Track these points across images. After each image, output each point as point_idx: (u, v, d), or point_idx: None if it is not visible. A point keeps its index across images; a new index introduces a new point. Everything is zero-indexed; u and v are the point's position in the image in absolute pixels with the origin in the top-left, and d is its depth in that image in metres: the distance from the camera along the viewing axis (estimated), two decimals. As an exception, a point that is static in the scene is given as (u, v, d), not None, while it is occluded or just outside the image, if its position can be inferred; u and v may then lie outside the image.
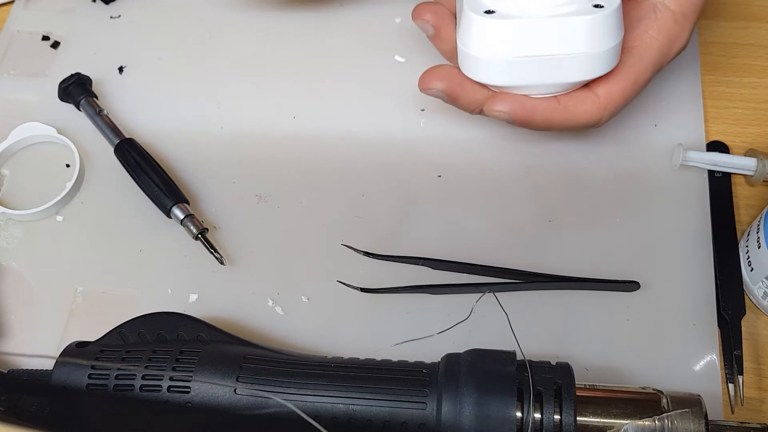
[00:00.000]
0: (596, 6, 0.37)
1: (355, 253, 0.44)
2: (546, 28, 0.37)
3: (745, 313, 0.41)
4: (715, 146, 0.47)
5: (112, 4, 0.56)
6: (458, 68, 0.41)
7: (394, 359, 0.37)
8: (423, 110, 0.49)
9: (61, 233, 0.47)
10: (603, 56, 0.38)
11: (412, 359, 0.37)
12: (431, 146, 0.48)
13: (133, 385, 0.35)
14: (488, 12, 0.38)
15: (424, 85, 0.42)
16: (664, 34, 0.41)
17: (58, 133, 0.49)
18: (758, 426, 0.34)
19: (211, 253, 0.43)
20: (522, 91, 0.40)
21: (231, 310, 0.43)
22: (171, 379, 0.35)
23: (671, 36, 0.41)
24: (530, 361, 0.34)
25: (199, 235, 0.44)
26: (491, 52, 0.38)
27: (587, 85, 0.40)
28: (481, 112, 0.42)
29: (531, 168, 0.47)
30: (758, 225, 0.40)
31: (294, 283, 0.44)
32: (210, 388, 0.35)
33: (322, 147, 0.49)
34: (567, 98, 0.40)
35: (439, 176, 0.47)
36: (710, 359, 0.40)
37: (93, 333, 0.38)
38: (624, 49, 0.40)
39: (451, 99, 0.42)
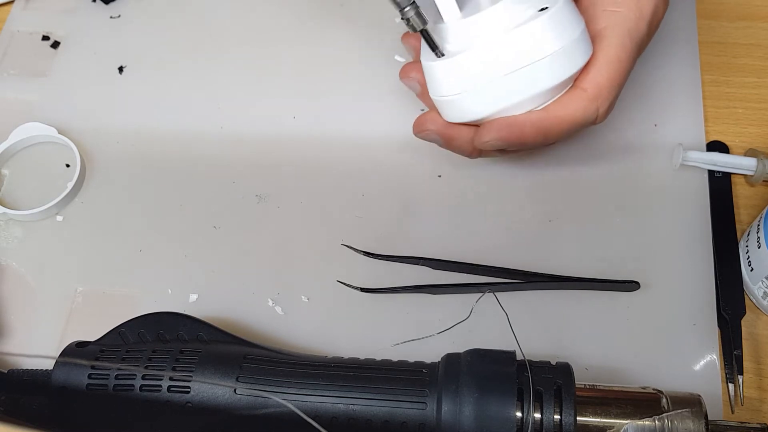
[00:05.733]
0: (542, 9, 0.36)
1: (355, 253, 0.44)
2: (501, 47, 0.36)
3: (745, 313, 0.41)
4: (715, 146, 0.47)
5: (112, 4, 0.56)
6: None
7: (394, 359, 0.37)
8: (423, 110, 0.49)
9: (61, 233, 0.47)
10: (570, 50, 0.37)
11: (412, 359, 0.37)
12: (431, 146, 0.48)
13: (133, 385, 0.35)
14: (442, 56, 0.38)
15: (417, 129, 0.42)
16: (626, 2, 0.39)
17: (59, 133, 0.49)
18: (758, 426, 0.34)
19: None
20: (510, 113, 0.39)
21: (231, 310, 0.43)
22: (171, 379, 0.35)
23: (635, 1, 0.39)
24: (530, 361, 0.34)
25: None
26: (458, 89, 0.38)
27: (573, 85, 0.39)
28: (480, 155, 0.42)
29: (531, 168, 0.47)
30: (758, 225, 0.40)
31: (294, 283, 0.44)
32: (210, 388, 0.35)
33: (322, 147, 0.49)
34: (554, 104, 0.39)
35: (439, 176, 0.47)
36: (710, 359, 0.40)
37: (93, 333, 0.38)
38: (593, 36, 0.38)
39: (446, 140, 0.41)
